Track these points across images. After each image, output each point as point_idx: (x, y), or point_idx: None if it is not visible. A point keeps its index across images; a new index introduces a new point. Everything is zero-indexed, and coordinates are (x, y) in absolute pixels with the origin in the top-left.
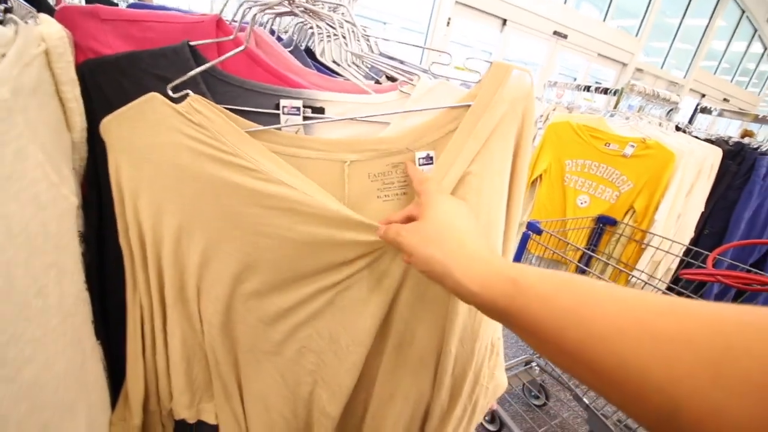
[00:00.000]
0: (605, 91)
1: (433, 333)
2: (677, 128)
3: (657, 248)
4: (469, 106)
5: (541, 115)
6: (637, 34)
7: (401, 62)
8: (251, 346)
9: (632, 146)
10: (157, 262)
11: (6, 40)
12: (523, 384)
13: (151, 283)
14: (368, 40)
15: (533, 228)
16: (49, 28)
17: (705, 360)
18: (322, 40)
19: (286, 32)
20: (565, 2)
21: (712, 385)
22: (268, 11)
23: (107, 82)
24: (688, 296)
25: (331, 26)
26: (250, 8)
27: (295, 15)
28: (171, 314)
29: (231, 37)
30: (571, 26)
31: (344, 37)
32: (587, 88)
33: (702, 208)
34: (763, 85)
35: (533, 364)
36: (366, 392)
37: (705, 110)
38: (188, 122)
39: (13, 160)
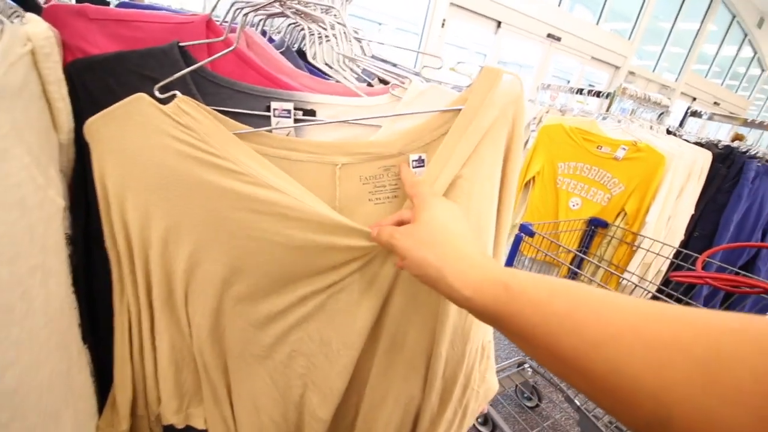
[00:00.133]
0: (598, 94)
1: (424, 336)
2: (668, 131)
3: (647, 250)
4: (460, 109)
5: (534, 118)
6: (629, 38)
7: (393, 65)
8: (241, 350)
9: (624, 149)
10: (145, 266)
11: None
12: (516, 385)
13: (139, 287)
14: (360, 42)
15: (526, 230)
16: (35, 27)
17: (697, 367)
18: (313, 42)
19: (278, 33)
20: (559, 5)
21: (703, 392)
22: (259, 12)
23: (95, 83)
24: (678, 298)
25: (322, 28)
26: (241, 9)
27: (287, 16)
28: (159, 318)
29: (221, 38)
30: (564, 29)
31: (335, 38)
32: (580, 91)
33: (692, 211)
34: (753, 88)
35: (526, 365)
36: (357, 395)
37: (695, 114)
38: (175, 124)
39: None
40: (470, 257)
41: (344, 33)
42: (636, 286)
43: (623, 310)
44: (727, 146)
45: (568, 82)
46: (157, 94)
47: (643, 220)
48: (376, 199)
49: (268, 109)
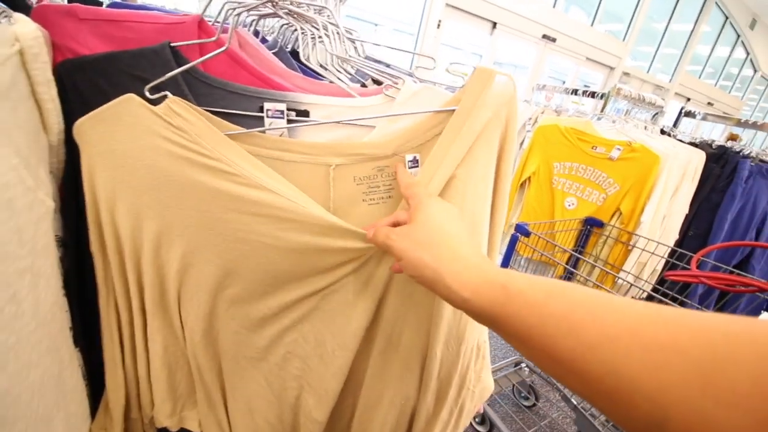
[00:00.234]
0: (593, 94)
1: (419, 336)
2: (662, 131)
3: (643, 249)
4: (453, 110)
5: (530, 118)
6: (624, 39)
7: (387, 65)
8: (235, 352)
9: (618, 149)
10: (137, 268)
11: None
12: (513, 385)
13: (131, 290)
14: (353, 42)
15: (522, 230)
16: (23, 27)
17: (694, 369)
18: (306, 43)
19: (272, 33)
20: (554, 6)
21: (700, 395)
22: (252, 12)
23: (85, 83)
24: (673, 297)
25: (315, 28)
26: (233, 9)
27: (280, 17)
28: (151, 321)
29: (214, 38)
30: (559, 30)
31: (328, 39)
32: (575, 92)
33: (686, 210)
34: (746, 89)
35: (522, 365)
36: (353, 397)
37: (689, 114)
38: (167, 125)
39: None
40: (467, 258)
41: (337, 33)
42: (631, 285)
43: (620, 312)
44: (721, 146)
45: (564, 82)
46: (147, 94)
47: (638, 219)
48: (371, 200)
49: (261, 109)
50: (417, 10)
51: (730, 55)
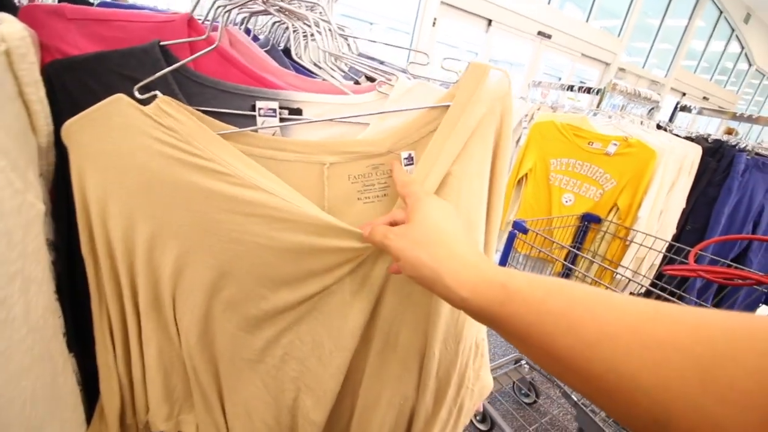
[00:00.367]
0: (588, 90)
1: (417, 335)
2: (658, 126)
3: (640, 245)
4: (448, 106)
5: (526, 115)
6: (619, 35)
7: (380, 62)
8: (231, 354)
9: (615, 145)
10: (129, 271)
11: None
12: (513, 382)
13: (124, 293)
14: (346, 39)
15: (519, 227)
16: (9, 27)
17: (693, 367)
18: (298, 40)
19: (265, 32)
20: (549, 3)
21: (701, 392)
22: (242, 10)
23: (74, 84)
24: (671, 291)
25: (307, 25)
26: (223, 7)
27: (271, 14)
28: (146, 324)
29: (203, 36)
30: (554, 26)
31: (321, 36)
32: (571, 88)
33: (683, 205)
34: (741, 83)
35: (522, 362)
36: (351, 397)
37: (685, 108)
38: (157, 125)
39: None
40: (465, 257)
41: (329, 30)
42: (630, 280)
43: (619, 310)
44: (717, 140)
45: (560, 79)
46: (136, 94)
47: (635, 214)
48: (366, 198)
49: (253, 108)
50: (412, 9)
51: (724, 50)
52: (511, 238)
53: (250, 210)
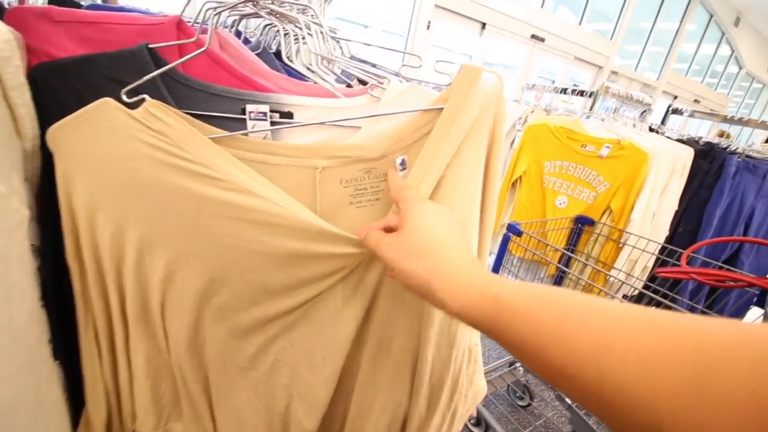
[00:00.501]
0: (581, 93)
1: (410, 341)
2: (650, 129)
3: (634, 247)
4: (440, 109)
5: (520, 118)
6: (611, 38)
7: (372, 65)
8: (222, 361)
9: (608, 147)
10: (117, 278)
11: None
12: (508, 385)
13: (111, 301)
14: (338, 42)
15: (513, 230)
16: None
17: (689, 377)
18: (289, 43)
19: (256, 35)
20: (542, 6)
21: (696, 403)
22: (232, 12)
23: (61, 87)
24: (664, 294)
25: (298, 28)
26: (213, 9)
27: (261, 17)
28: (133, 332)
29: (193, 39)
30: (548, 30)
31: (312, 38)
32: (564, 91)
33: (676, 207)
34: (731, 86)
35: (517, 364)
36: (343, 404)
37: (677, 111)
38: (146, 129)
39: None
40: (458, 269)
41: (321, 33)
42: (623, 283)
43: (613, 319)
44: (708, 142)
45: (553, 82)
46: (124, 98)
47: (628, 217)
48: (358, 203)
49: (243, 111)
50: (406, 12)
51: (715, 53)
52: (505, 241)
53: (243, 215)
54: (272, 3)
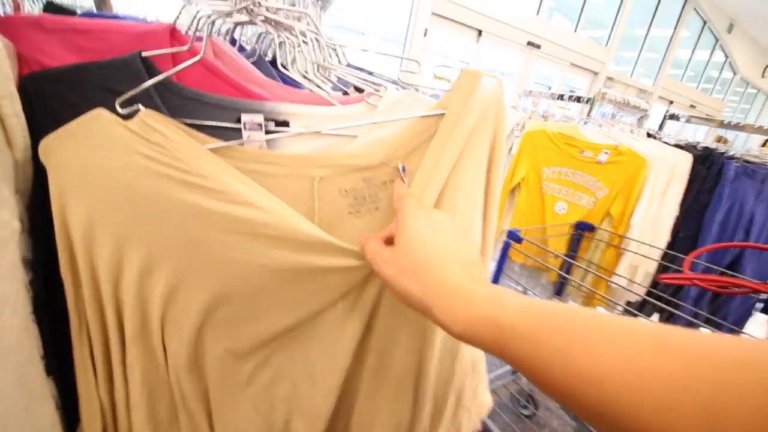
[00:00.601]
0: (578, 99)
1: (412, 353)
2: (648, 134)
3: (635, 253)
4: (440, 115)
5: (518, 124)
6: (606, 44)
7: (369, 73)
8: (221, 377)
9: (606, 153)
10: (114, 295)
11: None
12: (512, 394)
13: (107, 316)
14: (335, 49)
15: (513, 236)
16: None
17: (700, 402)
18: (284, 51)
19: (251, 43)
20: (537, 13)
21: (708, 430)
22: (227, 20)
23: (53, 97)
24: (667, 300)
25: (294, 36)
26: (208, 17)
27: (256, 24)
28: (131, 349)
29: (186, 47)
30: (544, 37)
31: (307, 45)
32: (561, 97)
33: (676, 212)
34: (726, 91)
35: None
36: (344, 419)
37: (674, 117)
38: (143, 140)
39: None
40: (458, 287)
41: (317, 40)
42: (625, 290)
43: (618, 340)
44: (706, 147)
45: (550, 88)
46: (119, 108)
47: (628, 222)
48: (356, 212)
49: (238, 120)
50: (404, 19)
51: (709, 59)
52: (505, 248)
53: (244, 227)
54: (266, 10)
